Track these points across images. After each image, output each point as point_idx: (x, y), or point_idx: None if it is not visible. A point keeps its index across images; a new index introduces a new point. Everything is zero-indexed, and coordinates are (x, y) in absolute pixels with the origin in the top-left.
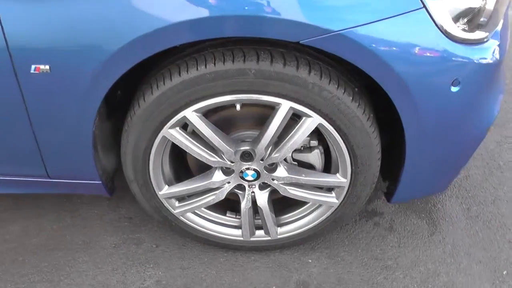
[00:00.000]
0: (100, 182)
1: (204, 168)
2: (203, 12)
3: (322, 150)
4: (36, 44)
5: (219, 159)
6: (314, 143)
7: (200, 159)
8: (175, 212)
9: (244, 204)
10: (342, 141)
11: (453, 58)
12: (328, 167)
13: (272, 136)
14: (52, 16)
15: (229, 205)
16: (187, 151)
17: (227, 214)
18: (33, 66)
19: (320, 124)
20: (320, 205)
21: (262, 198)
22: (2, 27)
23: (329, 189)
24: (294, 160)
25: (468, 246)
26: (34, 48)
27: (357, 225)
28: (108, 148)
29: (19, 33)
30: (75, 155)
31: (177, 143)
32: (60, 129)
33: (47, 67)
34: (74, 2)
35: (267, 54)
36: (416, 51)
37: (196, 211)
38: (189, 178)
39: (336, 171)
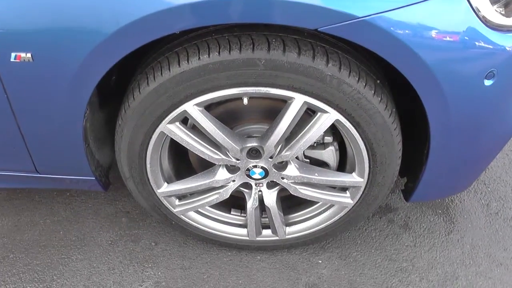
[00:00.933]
0: (93, 178)
1: (207, 165)
2: None
3: (337, 147)
4: (16, 29)
5: (223, 157)
6: (328, 139)
7: (203, 157)
8: (175, 210)
9: (251, 204)
10: (360, 138)
11: (489, 47)
12: (343, 164)
13: (283, 133)
14: None
15: (234, 202)
16: (187, 148)
17: (232, 212)
18: (13, 54)
19: (337, 120)
20: (332, 205)
21: (270, 197)
22: None
23: (343, 189)
24: (305, 157)
25: (488, 246)
26: (13, 34)
27: (370, 222)
28: (102, 141)
29: None
30: (64, 150)
31: (176, 140)
32: (46, 123)
33: (29, 55)
34: None
35: (279, 42)
36: (448, 39)
37: (198, 209)
38: (191, 175)
39: (352, 170)
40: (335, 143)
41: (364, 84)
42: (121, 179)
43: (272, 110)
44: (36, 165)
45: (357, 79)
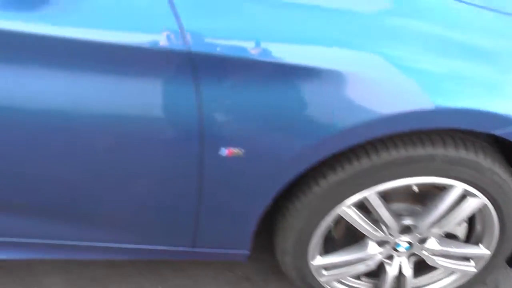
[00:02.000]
0: (247, 251)
1: (352, 236)
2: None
3: (468, 222)
4: (235, 125)
5: (383, 234)
6: None
7: (366, 234)
8: (321, 280)
9: (392, 273)
10: (497, 219)
11: None
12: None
13: (440, 215)
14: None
15: None
16: (355, 226)
17: (362, 278)
18: (223, 149)
19: (484, 204)
20: (453, 272)
21: (408, 267)
22: (201, 104)
23: (467, 258)
24: None
25: None
26: (230, 129)
27: None
28: None
29: (219, 113)
30: (236, 229)
31: (349, 220)
32: (229, 208)
33: (241, 151)
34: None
35: (450, 140)
36: None
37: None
38: (331, 244)
39: (478, 242)
40: (467, 219)
41: (508, 173)
42: None
43: (420, 192)
44: (196, 242)
45: (503, 169)
